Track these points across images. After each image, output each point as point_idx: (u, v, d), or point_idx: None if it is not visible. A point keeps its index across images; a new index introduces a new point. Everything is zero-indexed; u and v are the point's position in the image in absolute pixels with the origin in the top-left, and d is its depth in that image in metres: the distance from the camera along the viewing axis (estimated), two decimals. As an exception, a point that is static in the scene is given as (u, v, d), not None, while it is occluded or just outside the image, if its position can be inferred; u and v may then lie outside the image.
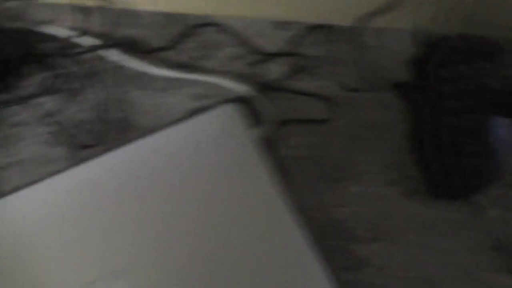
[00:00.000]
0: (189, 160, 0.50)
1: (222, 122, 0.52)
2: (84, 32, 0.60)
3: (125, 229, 0.46)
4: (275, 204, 0.50)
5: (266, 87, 0.59)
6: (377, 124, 0.59)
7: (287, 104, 0.59)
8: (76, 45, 0.59)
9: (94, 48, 0.58)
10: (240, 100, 0.56)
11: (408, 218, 0.55)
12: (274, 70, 0.60)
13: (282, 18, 0.61)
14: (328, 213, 0.54)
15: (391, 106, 0.60)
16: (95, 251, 0.44)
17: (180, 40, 0.60)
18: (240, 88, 0.57)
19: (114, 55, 0.57)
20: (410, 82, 0.56)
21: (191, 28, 0.60)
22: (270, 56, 0.60)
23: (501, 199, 0.56)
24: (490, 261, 0.54)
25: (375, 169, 0.57)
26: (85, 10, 0.61)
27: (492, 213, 0.56)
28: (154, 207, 0.47)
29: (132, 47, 0.58)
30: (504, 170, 0.55)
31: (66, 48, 0.59)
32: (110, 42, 0.58)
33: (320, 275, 0.48)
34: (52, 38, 0.59)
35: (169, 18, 0.61)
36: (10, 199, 0.45)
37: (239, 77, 0.59)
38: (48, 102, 0.57)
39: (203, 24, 0.60)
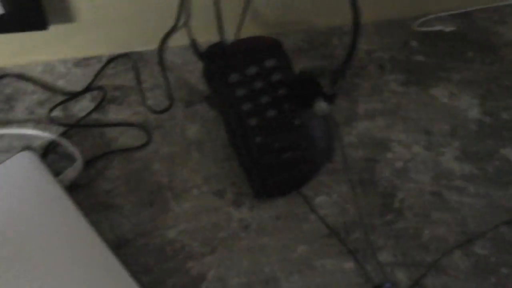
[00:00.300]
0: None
1: (19, 170, 0.51)
2: None
3: None
4: (89, 241, 0.49)
5: (76, 127, 0.58)
6: (196, 139, 0.59)
7: (101, 139, 0.58)
8: None
9: None
10: (44, 146, 0.56)
11: (241, 224, 0.55)
12: (82, 108, 0.60)
13: (82, 55, 0.61)
14: (161, 236, 0.54)
15: (206, 118, 0.60)
16: None
17: (-25, 98, 0.59)
18: (45, 134, 0.56)
19: None
20: (212, 93, 0.57)
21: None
22: (76, 95, 0.60)
23: (323, 186, 0.58)
24: (328, 248, 0.55)
25: (200, 183, 0.57)
26: None
27: (319, 200, 0.57)
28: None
29: None
30: (325, 157, 0.56)
31: None
32: None
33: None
34: None
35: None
36: None
37: (47, 122, 0.58)
38: None
39: (-2, 77, 0.60)
